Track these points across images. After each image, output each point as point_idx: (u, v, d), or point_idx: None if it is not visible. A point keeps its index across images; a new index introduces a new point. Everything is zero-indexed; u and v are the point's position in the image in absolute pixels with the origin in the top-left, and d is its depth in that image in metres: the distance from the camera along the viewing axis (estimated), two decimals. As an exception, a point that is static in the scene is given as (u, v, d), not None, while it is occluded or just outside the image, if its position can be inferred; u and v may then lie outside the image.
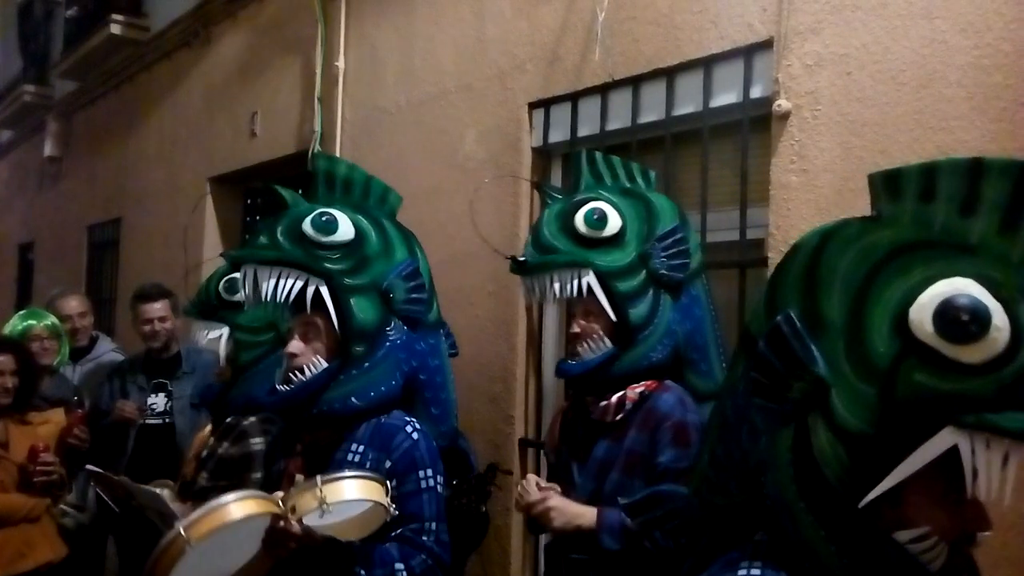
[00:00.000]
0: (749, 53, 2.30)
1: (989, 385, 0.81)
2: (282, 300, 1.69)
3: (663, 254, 1.87)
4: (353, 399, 1.69)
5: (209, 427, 2.50)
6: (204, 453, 2.34)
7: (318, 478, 1.56)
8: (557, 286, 1.83)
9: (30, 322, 3.45)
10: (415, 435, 1.70)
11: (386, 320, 1.75)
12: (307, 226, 1.72)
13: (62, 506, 3.04)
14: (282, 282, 1.68)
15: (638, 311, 1.83)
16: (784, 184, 2.16)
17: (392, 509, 1.60)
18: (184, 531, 1.42)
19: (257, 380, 2.31)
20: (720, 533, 1.06)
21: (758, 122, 2.29)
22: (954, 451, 0.81)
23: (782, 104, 2.15)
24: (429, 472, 1.69)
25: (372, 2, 3.74)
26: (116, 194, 6.43)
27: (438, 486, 1.70)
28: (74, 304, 3.87)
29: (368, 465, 1.67)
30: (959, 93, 1.86)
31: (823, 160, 2.09)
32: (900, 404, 0.84)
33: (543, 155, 2.98)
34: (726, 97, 2.38)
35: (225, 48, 4.97)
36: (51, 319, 3.53)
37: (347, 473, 1.60)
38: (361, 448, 1.69)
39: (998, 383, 0.81)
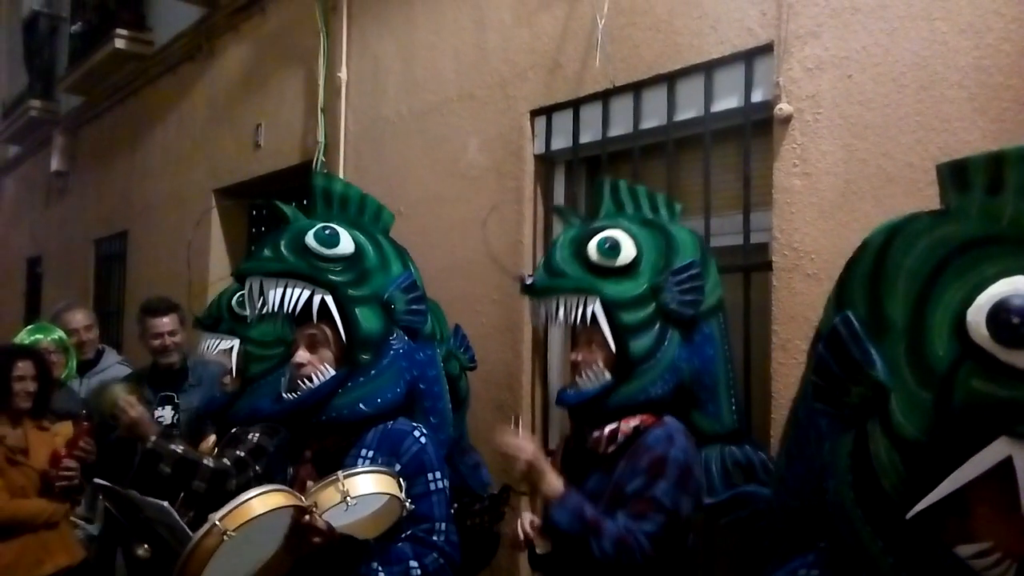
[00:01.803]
0: (749, 57, 2.30)
1: None
2: (288, 311, 1.72)
3: (676, 288, 1.83)
4: (361, 405, 1.73)
5: (213, 438, 2.51)
6: None
7: (339, 473, 1.59)
8: (562, 312, 1.81)
9: (37, 336, 3.49)
10: (423, 439, 1.74)
11: (389, 330, 1.79)
12: (310, 239, 1.76)
13: (72, 518, 3.07)
14: (288, 292, 1.71)
15: (640, 344, 1.79)
16: (787, 188, 2.16)
17: (408, 503, 1.65)
18: (219, 522, 1.43)
19: (263, 392, 2.36)
20: (798, 537, 1.05)
21: (760, 126, 2.29)
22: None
23: (783, 108, 2.15)
24: (437, 475, 1.72)
25: (373, 13, 3.76)
26: (122, 207, 6.46)
27: (446, 488, 1.74)
28: (80, 318, 3.90)
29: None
30: (960, 94, 1.86)
31: (825, 163, 2.08)
32: (956, 411, 0.79)
33: (546, 162, 2.98)
34: (727, 102, 2.38)
35: (229, 61, 5.00)
36: (58, 333, 3.56)
37: (365, 468, 1.64)
38: (371, 453, 1.72)
39: None
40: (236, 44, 4.92)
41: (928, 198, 1.89)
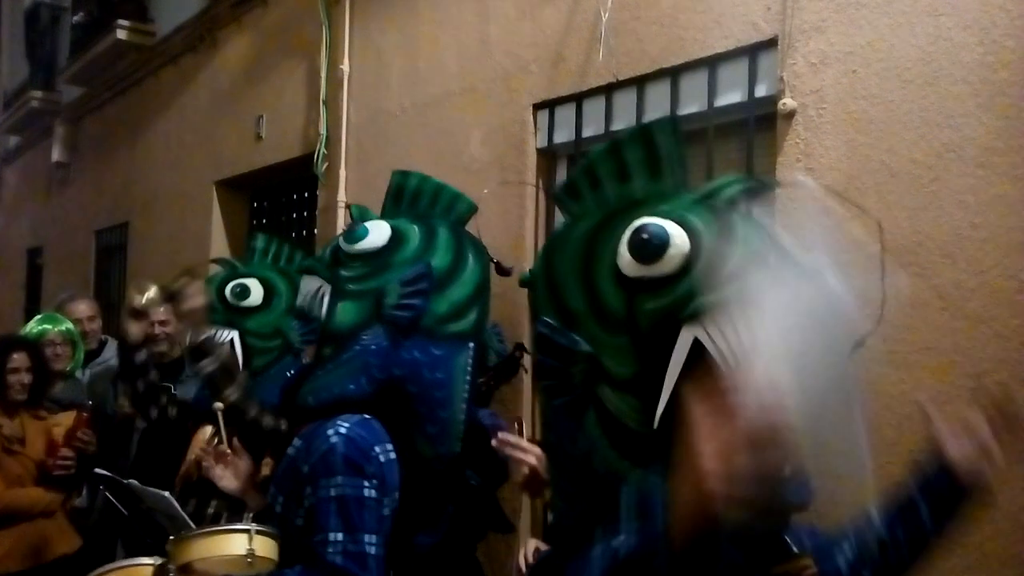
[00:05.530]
0: (754, 52, 2.30)
1: (696, 281, 0.99)
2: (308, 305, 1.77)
3: None
4: (309, 398, 1.66)
5: (210, 429, 2.49)
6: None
7: (170, 538, 1.64)
8: None
9: (45, 326, 3.49)
10: (334, 439, 1.55)
11: (366, 324, 1.67)
12: (341, 241, 1.78)
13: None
14: (310, 287, 1.77)
15: None
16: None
17: (248, 559, 1.56)
18: None
19: (267, 386, 2.33)
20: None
21: (763, 121, 2.28)
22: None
23: (787, 103, 2.15)
24: (340, 480, 1.52)
25: (376, 5, 3.75)
26: (123, 199, 6.46)
27: (363, 491, 1.53)
28: (83, 308, 3.90)
29: (294, 458, 1.62)
30: (965, 90, 1.86)
31: (829, 159, 2.08)
32: (647, 334, 1.01)
33: (548, 156, 2.98)
34: (731, 96, 2.38)
35: (230, 52, 4.99)
36: (66, 324, 3.55)
37: (198, 531, 1.65)
38: (300, 443, 1.62)
39: (701, 276, 0.99)
40: (238, 35, 4.91)
41: (931, 194, 1.89)
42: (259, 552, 1.59)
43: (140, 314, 2.95)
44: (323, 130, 3.93)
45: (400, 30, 3.60)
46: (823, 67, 2.10)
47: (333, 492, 1.51)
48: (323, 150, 3.91)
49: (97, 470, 2.43)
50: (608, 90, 2.69)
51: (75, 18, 7.14)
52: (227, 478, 1.96)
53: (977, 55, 1.84)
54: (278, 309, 2.46)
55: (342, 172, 3.81)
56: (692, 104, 2.48)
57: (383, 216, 1.84)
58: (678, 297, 0.99)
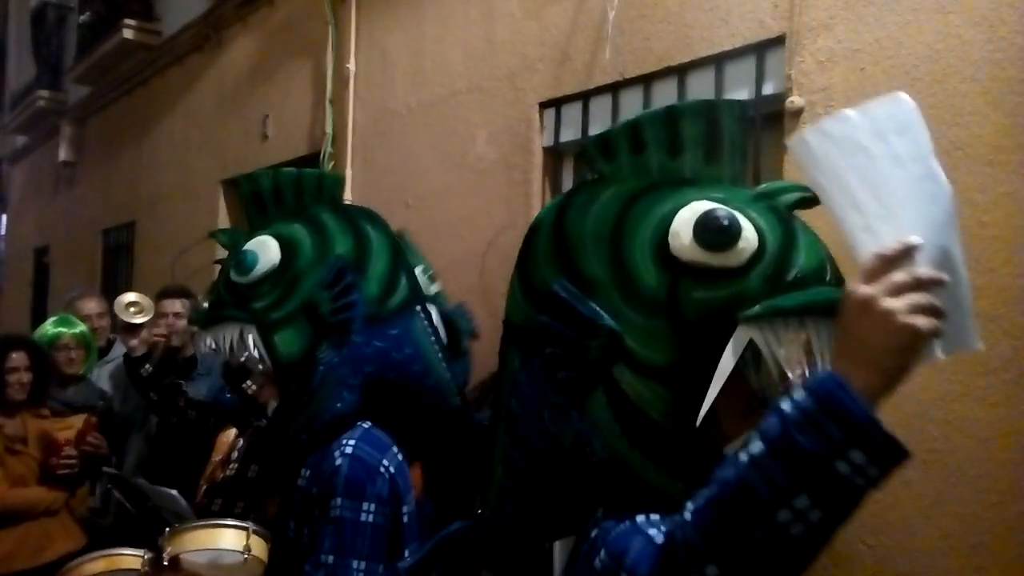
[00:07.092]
0: (761, 50, 2.30)
1: (756, 280, 0.90)
2: (232, 354, 1.64)
3: None
4: (303, 436, 1.62)
5: (234, 431, 2.50)
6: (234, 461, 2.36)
7: (166, 530, 1.69)
8: None
9: (60, 330, 3.49)
10: (339, 460, 1.55)
11: (315, 344, 1.60)
12: (232, 273, 1.64)
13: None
14: (225, 335, 1.63)
15: None
16: (798, 180, 2.15)
17: (244, 552, 1.64)
18: None
19: None
20: (535, 541, 1.04)
21: (771, 119, 2.28)
22: (742, 365, 0.89)
23: (795, 100, 2.14)
24: (339, 501, 1.52)
25: (382, 4, 3.75)
26: (130, 198, 6.48)
27: (360, 515, 1.53)
28: (92, 305, 3.92)
29: (305, 488, 1.61)
30: (973, 88, 1.85)
31: (836, 157, 2.08)
32: (692, 323, 0.92)
33: (554, 155, 2.98)
34: (738, 94, 2.37)
35: (236, 52, 5.00)
36: (80, 328, 3.55)
37: (196, 523, 1.69)
38: (308, 472, 1.62)
39: (763, 276, 0.91)
40: (244, 35, 4.92)
41: (940, 192, 1.89)
42: (255, 552, 1.61)
43: (133, 328, 2.98)
44: (329, 129, 3.93)
45: (406, 29, 3.60)
46: (831, 65, 2.10)
47: (331, 514, 1.52)
48: (329, 149, 3.91)
49: (106, 469, 2.44)
50: (615, 88, 2.69)
51: (81, 18, 7.17)
52: None
53: (986, 52, 1.83)
54: None
55: (348, 171, 3.82)
56: (699, 102, 2.48)
57: (253, 231, 1.70)
58: (737, 293, 0.90)
